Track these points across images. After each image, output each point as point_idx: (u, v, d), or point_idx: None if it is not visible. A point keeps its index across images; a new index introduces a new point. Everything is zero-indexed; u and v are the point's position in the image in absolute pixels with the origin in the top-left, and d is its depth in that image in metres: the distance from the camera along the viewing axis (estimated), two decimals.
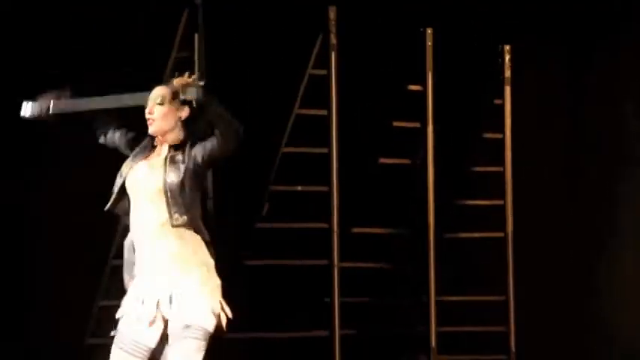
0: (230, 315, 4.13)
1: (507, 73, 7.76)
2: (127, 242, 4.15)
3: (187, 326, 3.94)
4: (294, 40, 7.54)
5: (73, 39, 7.31)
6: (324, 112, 7.31)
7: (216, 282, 4.08)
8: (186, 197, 4.00)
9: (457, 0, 7.94)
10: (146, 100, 4.10)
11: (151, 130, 4.09)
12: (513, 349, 7.21)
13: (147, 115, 4.09)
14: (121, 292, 5.49)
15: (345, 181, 7.30)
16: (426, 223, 7.22)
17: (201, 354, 3.99)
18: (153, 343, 3.99)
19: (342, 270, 7.09)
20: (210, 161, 4.07)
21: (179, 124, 4.09)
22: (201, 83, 4.19)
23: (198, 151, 4.04)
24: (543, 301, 7.84)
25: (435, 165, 7.26)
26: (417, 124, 7.26)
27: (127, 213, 4.09)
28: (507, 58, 7.77)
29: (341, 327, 7.10)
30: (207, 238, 4.06)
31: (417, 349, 7.29)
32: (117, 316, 4.07)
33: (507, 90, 7.77)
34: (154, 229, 4.00)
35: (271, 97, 7.64)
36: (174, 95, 4.10)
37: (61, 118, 4.36)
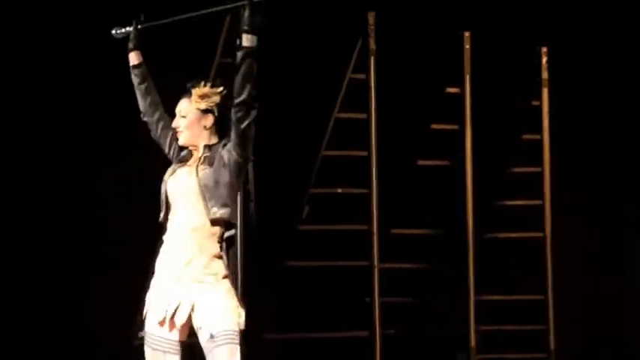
0: (243, 317, 4.18)
1: (545, 75, 7.73)
2: None
3: (212, 336, 4.03)
4: (334, 45, 7.55)
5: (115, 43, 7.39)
6: (363, 116, 7.34)
7: (226, 286, 4.12)
8: (223, 192, 4.09)
9: (494, 3, 7.90)
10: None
11: (180, 142, 4.24)
12: (552, 347, 7.20)
13: (174, 128, 4.26)
14: None
15: (384, 183, 7.31)
16: (465, 224, 7.22)
17: (236, 356, 4.08)
18: (181, 337, 4.09)
19: (381, 271, 7.10)
20: (236, 146, 4.13)
21: (207, 131, 4.21)
22: (219, 90, 4.31)
23: (227, 146, 4.13)
24: (581, 300, 7.84)
25: (473, 166, 7.26)
26: (456, 127, 7.26)
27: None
28: (544, 59, 7.74)
29: (381, 327, 7.11)
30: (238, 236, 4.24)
31: (456, 348, 7.33)
32: (142, 317, 4.18)
33: (545, 92, 7.75)
34: (183, 233, 4.10)
35: (312, 102, 7.64)
36: (197, 106, 4.20)
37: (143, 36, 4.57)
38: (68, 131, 7.35)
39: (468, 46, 7.50)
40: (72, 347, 7.13)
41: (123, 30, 4.62)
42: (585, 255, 8.05)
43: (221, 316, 4.02)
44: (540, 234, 7.55)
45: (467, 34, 7.50)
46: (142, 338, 5.20)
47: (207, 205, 4.09)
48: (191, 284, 4.06)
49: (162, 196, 4.21)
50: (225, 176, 4.10)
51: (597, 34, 8.13)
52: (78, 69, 7.26)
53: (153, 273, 4.22)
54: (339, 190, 7.36)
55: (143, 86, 4.39)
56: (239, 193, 4.36)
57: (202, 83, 4.23)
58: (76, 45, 7.23)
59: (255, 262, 6.39)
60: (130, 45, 4.43)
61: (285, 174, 7.47)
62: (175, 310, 4.08)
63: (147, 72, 4.45)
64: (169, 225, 4.16)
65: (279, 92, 7.42)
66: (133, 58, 4.42)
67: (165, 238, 4.16)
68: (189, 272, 4.08)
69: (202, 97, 4.21)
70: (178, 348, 4.13)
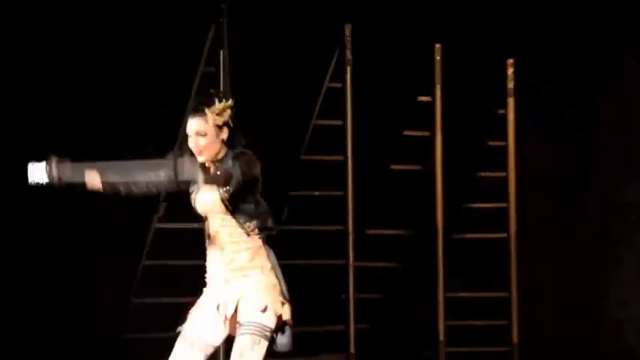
0: (287, 310, 4.22)
1: (510, 85, 7.89)
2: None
3: (241, 324, 4.13)
4: (312, 56, 7.67)
5: (100, 50, 7.36)
6: (340, 123, 7.47)
7: (272, 281, 4.20)
8: (245, 203, 4.17)
9: (464, 17, 8.03)
10: (172, 167, 4.13)
11: (201, 160, 4.18)
12: (515, 341, 7.39)
13: (193, 148, 4.17)
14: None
15: (359, 186, 7.43)
16: (435, 225, 7.39)
17: (258, 349, 4.13)
18: (215, 341, 4.19)
19: (356, 269, 7.25)
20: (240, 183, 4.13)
21: (223, 144, 4.20)
22: (230, 103, 4.28)
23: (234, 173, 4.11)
24: (544, 297, 8.01)
25: (443, 170, 7.44)
26: (427, 133, 7.42)
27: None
28: (510, 70, 7.90)
29: (356, 322, 7.25)
30: (274, 231, 4.24)
31: (426, 343, 7.52)
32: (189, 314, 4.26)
33: (510, 101, 7.89)
34: (223, 237, 4.17)
35: (292, 109, 7.76)
36: (214, 123, 4.16)
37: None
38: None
39: (438, 58, 7.63)
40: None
41: (42, 178, 4.10)
42: (548, 254, 8.26)
43: (253, 308, 4.10)
44: (505, 234, 7.72)
45: (438, 45, 7.63)
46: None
47: (239, 222, 4.16)
48: (238, 279, 4.15)
49: (195, 210, 4.25)
50: (241, 189, 4.13)
51: (560, 46, 8.30)
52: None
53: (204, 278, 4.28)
54: (317, 193, 7.47)
55: (137, 189, 4.22)
56: (258, 190, 4.33)
57: (215, 100, 4.21)
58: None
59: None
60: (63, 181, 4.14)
61: (265, 177, 7.58)
62: (223, 307, 4.15)
63: (115, 184, 4.21)
64: (210, 232, 4.23)
65: (261, 99, 7.59)
66: (90, 184, 4.15)
67: (207, 244, 4.24)
68: (235, 270, 4.17)
69: (218, 113, 4.21)
70: (207, 351, 4.21)
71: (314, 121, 7.56)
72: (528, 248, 8.09)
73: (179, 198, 6.63)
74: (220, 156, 4.20)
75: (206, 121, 4.17)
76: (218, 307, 4.14)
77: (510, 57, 7.97)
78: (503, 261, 7.79)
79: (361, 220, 7.46)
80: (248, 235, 4.16)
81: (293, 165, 7.60)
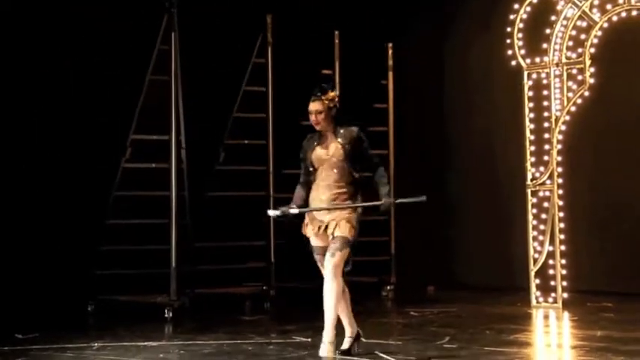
0: (356, 232, 5.51)
1: (390, 62, 9.46)
2: (298, 189, 5.66)
3: (333, 237, 5.56)
4: (242, 39, 8.80)
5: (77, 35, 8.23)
6: (263, 89, 8.61)
7: (355, 215, 5.55)
8: (355, 160, 5.51)
9: (357, 9, 9.36)
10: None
11: (318, 128, 5.59)
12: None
13: (313, 122, 5.55)
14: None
15: (277, 137, 8.54)
16: None
17: (344, 252, 5.50)
18: (323, 244, 5.59)
19: (275, 199, 8.31)
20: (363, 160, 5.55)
21: (332, 119, 5.59)
22: (337, 92, 5.61)
23: (358, 148, 5.49)
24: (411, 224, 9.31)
25: None
26: None
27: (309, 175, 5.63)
28: (390, 52, 9.49)
29: (276, 238, 8.34)
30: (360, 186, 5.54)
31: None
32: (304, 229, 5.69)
33: (390, 74, 9.47)
34: (330, 182, 5.56)
35: (226, 78, 8.86)
36: (328, 105, 5.54)
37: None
38: None
39: (337, 41, 9.00)
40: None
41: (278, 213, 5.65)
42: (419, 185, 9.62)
43: (342, 228, 5.54)
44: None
45: (336, 32, 8.98)
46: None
47: (350, 168, 5.50)
48: (336, 209, 5.54)
49: (308, 162, 5.59)
50: (352, 152, 5.52)
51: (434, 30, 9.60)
52: None
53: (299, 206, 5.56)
54: (246, 142, 8.67)
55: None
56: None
57: (328, 89, 5.59)
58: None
59: (185, 192, 7.92)
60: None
61: (207, 129, 8.67)
62: (325, 228, 5.53)
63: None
64: (317, 178, 5.58)
65: (204, 71, 8.70)
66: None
67: (314, 186, 5.58)
68: (337, 203, 5.54)
69: (331, 99, 5.58)
70: (323, 253, 5.57)
71: (244, 88, 8.73)
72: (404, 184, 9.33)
73: (142, 144, 7.98)
74: (332, 128, 5.60)
75: (322, 104, 5.62)
76: (325, 228, 5.61)
77: (390, 42, 9.46)
78: None
79: (279, 162, 8.55)
80: (347, 180, 5.51)
81: (228, 120, 8.73)
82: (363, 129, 5.72)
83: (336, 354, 5.66)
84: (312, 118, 5.61)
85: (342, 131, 5.58)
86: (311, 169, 5.64)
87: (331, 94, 5.55)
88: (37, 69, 8.33)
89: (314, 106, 5.62)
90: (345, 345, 5.75)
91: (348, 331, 5.78)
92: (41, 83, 8.35)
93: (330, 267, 5.54)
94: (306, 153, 5.68)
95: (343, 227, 5.53)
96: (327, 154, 5.56)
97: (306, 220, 5.70)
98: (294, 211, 5.66)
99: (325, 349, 5.62)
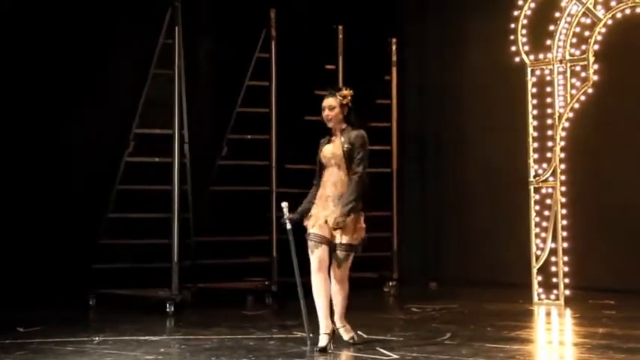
0: (364, 234, 5.68)
1: (394, 58, 9.40)
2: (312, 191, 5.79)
3: (341, 244, 5.67)
4: (247, 33, 8.77)
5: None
6: (266, 84, 8.54)
7: (359, 215, 5.66)
8: (356, 158, 5.61)
9: (360, 4, 9.34)
10: None
11: (329, 125, 5.72)
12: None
13: (325, 117, 5.66)
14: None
15: (280, 132, 8.49)
16: None
17: (349, 261, 5.66)
18: (328, 235, 5.67)
19: (277, 194, 8.26)
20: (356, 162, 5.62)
21: (343, 118, 5.71)
22: (351, 92, 5.72)
23: (355, 150, 5.56)
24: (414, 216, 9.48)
25: None
26: None
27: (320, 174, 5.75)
28: (394, 47, 9.44)
29: (278, 233, 8.12)
30: (366, 180, 5.63)
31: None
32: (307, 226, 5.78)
33: (394, 69, 9.40)
34: (335, 180, 5.68)
35: (231, 73, 8.86)
36: (341, 102, 5.66)
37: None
38: None
39: (341, 37, 8.93)
40: None
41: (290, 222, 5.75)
42: (419, 184, 9.59)
43: (346, 234, 5.66)
44: (389, 169, 9.05)
45: (340, 27, 8.91)
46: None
47: (351, 165, 5.62)
48: (337, 207, 5.62)
49: (318, 159, 5.75)
50: (352, 150, 5.62)
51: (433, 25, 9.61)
52: None
53: (309, 203, 5.70)
54: (249, 137, 8.67)
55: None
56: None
57: (342, 88, 5.75)
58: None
59: (187, 186, 7.93)
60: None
61: (210, 124, 8.77)
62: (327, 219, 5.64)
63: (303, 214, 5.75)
64: (325, 176, 5.73)
65: (207, 65, 8.86)
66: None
67: (322, 183, 5.72)
68: (340, 201, 5.64)
69: (345, 96, 5.72)
70: (321, 241, 5.66)
71: (247, 82, 8.71)
72: (405, 180, 9.66)
73: (145, 138, 8.01)
74: (342, 127, 5.73)
75: (335, 100, 5.73)
76: (324, 221, 5.73)
77: (394, 37, 9.37)
78: (388, 189, 9.21)
79: (281, 157, 8.54)
80: (352, 173, 5.60)
81: (231, 115, 8.72)
82: (366, 135, 5.78)
83: (331, 346, 5.75)
84: (325, 113, 5.74)
85: (349, 132, 5.72)
86: (321, 167, 5.82)
87: (346, 92, 5.72)
88: (38, 62, 8.34)
89: (327, 101, 5.76)
90: (322, 342, 5.77)
91: (324, 327, 5.81)
92: (44, 76, 8.35)
93: (338, 278, 5.75)
94: (319, 151, 5.85)
95: (348, 233, 5.68)
96: (332, 152, 5.74)
97: (311, 213, 5.83)
98: (289, 226, 5.83)
99: (324, 339, 5.72)
